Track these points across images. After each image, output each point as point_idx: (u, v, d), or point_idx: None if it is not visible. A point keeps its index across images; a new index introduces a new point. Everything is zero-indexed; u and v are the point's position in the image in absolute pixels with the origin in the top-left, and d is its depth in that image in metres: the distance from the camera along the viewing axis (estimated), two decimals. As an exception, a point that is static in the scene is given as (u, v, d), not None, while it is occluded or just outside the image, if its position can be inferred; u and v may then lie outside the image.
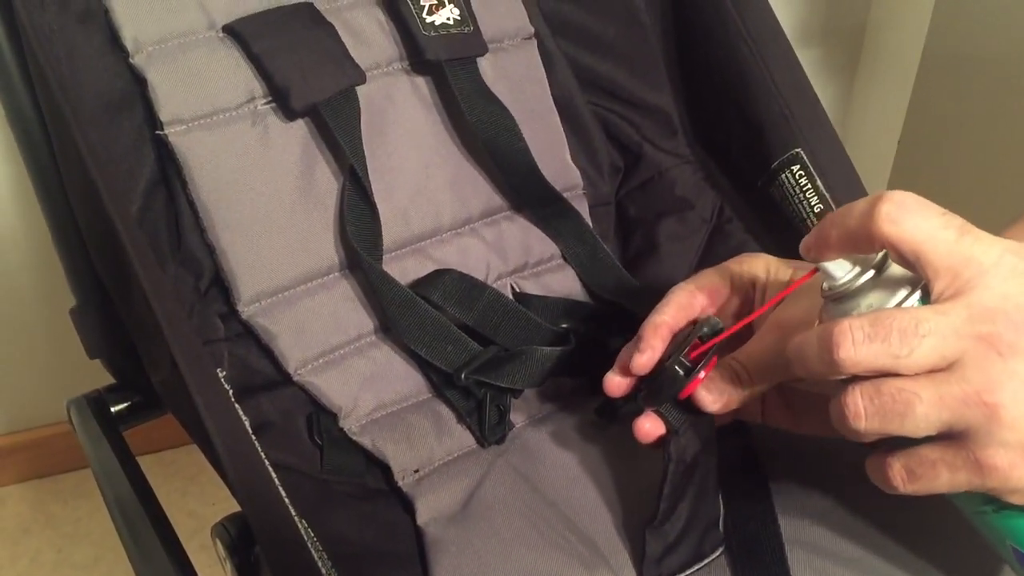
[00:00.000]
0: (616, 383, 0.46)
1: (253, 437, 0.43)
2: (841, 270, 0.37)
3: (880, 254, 0.36)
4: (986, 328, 0.32)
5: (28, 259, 1.04)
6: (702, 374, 0.43)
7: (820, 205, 0.56)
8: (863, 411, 0.34)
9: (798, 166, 0.56)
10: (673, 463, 0.46)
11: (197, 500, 1.16)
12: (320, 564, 0.41)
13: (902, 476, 0.36)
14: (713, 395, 0.43)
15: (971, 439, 0.33)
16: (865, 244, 0.35)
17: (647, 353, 0.44)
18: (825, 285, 0.37)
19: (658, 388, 0.44)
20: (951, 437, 0.34)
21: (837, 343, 0.33)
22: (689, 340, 0.44)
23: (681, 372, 0.43)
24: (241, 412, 0.43)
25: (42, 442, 1.18)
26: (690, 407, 0.45)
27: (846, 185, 0.56)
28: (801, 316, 0.43)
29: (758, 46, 0.58)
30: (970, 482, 0.34)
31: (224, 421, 0.40)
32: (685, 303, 0.46)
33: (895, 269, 0.36)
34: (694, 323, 0.46)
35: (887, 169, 1.24)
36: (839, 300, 0.37)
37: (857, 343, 0.33)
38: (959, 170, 1.12)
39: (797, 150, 0.56)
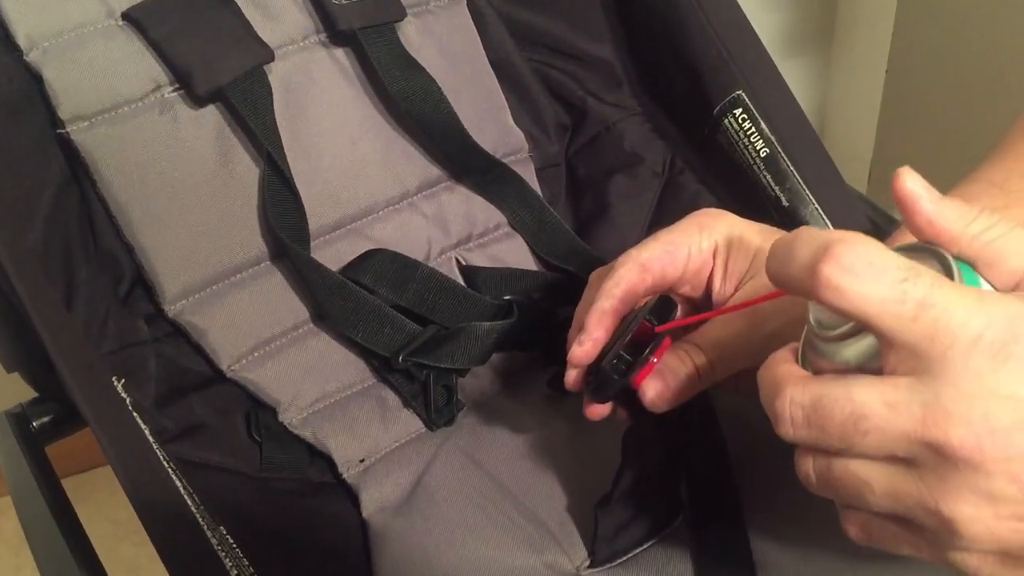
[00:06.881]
0: (572, 378, 0.42)
1: (156, 446, 0.41)
2: (821, 315, 0.30)
3: None
4: (940, 438, 0.26)
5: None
6: (654, 359, 0.39)
7: (766, 149, 0.52)
8: (815, 482, 0.30)
9: (740, 109, 0.53)
10: (632, 459, 0.44)
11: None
12: (238, 573, 0.39)
13: (857, 533, 0.31)
14: (660, 395, 0.39)
15: (932, 539, 0.29)
16: (808, 297, 0.29)
17: (587, 344, 0.41)
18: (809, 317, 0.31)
19: (597, 385, 0.40)
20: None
21: (776, 418, 0.29)
22: (632, 326, 0.40)
23: (622, 367, 0.39)
24: (141, 421, 0.41)
25: (39, 449, 1.17)
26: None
27: (792, 127, 0.53)
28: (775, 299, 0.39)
29: (689, -16, 0.54)
30: (934, 563, 0.30)
31: (115, 431, 0.38)
32: (635, 281, 0.42)
33: None
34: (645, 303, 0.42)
35: (869, 149, 1.20)
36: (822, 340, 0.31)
37: (796, 426, 0.29)
38: (941, 141, 1.08)
39: (738, 92, 0.53)
